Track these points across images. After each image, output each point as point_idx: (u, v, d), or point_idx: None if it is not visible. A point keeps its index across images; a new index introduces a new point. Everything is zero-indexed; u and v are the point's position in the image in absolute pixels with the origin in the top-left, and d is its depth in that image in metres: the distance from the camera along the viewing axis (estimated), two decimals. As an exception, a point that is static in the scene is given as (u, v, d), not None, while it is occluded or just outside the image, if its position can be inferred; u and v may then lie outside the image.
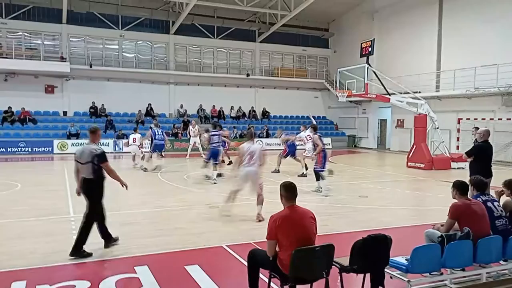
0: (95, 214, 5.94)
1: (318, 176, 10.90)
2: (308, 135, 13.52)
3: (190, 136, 20.56)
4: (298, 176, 13.88)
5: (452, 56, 22.09)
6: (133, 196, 10.33)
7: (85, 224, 5.87)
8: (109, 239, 6.14)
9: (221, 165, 13.65)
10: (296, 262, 3.81)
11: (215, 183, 12.27)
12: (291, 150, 14.89)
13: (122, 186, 6.10)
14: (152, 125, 16.14)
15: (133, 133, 16.39)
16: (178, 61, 28.02)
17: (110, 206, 8.98)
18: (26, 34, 24.56)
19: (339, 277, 4.23)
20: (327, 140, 28.54)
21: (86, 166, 5.84)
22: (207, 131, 14.24)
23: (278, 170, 14.80)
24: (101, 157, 5.85)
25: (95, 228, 5.99)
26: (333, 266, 4.13)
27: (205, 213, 8.57)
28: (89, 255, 5.73)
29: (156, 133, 15.32)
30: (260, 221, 7.65)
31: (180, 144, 23.78)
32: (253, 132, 8.92)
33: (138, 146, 15.99)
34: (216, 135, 12.85)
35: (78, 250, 5.72)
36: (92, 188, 5.91)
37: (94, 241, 6.03)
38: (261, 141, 25.92)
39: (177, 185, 11.68)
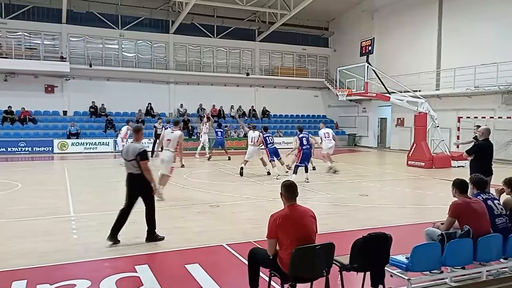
0: (153, 202, 6.49)
1: (306, 169, 12.52)
2: (326, 132, 14.95)
3: (201, 133, 20.14)
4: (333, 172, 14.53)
5: (452, 54, 22.07)
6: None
7: (149, 213, 6.43)
8: (115, 235, 6.29)
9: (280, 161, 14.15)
10: (296, 260, 3.81)
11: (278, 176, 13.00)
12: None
13: (154, 189, 6.49)
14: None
15: (125, 125, 14.62)
16: (178, 60, 28.01)
17: (109, 206, 9.02)
18: (26, 34, 24.54)
19: (339, 275, 4.23)
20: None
21: (131, 163, 6.29)
22: (253, 127, 14.79)
23: (314, 167, 14.87)
24: (142, 155, 6.27)
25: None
26: (333, 265, 4.13)
27: (205, 212, 8.57)
28: (162, 238, 6.42)
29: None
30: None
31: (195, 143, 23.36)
32: (254, 125, 13.97)
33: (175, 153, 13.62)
34: (269, 136, 13.98)
35: (152, 236, 6.39)
36: (139, 182, 6.30)
37: (96, 239, 6.04)
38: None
39: (176, 184, 11.67)
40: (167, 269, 5.32)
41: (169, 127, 11.57)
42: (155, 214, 6.49)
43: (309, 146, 12.47)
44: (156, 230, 6.49)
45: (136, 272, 5.15)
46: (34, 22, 24.40)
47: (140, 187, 6.33)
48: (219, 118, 27.92)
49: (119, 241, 6.25)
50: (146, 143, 16.94)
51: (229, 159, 18.28)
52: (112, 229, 6.25)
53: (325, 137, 14.85)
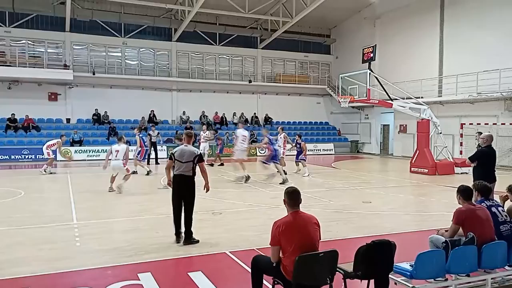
0: (193, 205, 6.83)
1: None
2: (243, 135, 14.21)
3: (199, 142, 19.44)
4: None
5: (454, 61, 22.07)
6: (135, 202, 10.36)
7: (186, 215, 6.77)
8: (182, 236, 6.74)
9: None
10: (300, 268, 3.80)
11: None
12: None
13: (207, 188, 7.12)
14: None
15: (117, 143, 12.16)
16: (180, 68, 28.13)
17: (112, 213, 9.03)
18: (29, 42, 24.73)
19: (343, 283, 4.21)
20: (329, 145, 28.67)
21: (186, 164, 6.75)
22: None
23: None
24: (200, 158, 6.91)
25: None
26: (337, 272, 4.11)
27: (207, 220, 8.55)
28: (198, 241, 6.68)
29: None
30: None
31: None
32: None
33: (123, 161, 11.90)
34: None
35: (189, 239, 6.66)
36: (190, 183, 6.80)
37: (99, 247, 6.01)
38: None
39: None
40: (170, 277, 5.31)
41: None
42: (191, 216, 6.80)
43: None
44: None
45: (139, 280, 5.14)
46: (37, 30, 24.60)
47: (188, 187, 6.80)
48: (221, 125, 28.00)
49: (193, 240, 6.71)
50: (134, 151, 16.03)
51: (222, 164, 19.08)
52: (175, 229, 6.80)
53: (242, 140, 13.70)
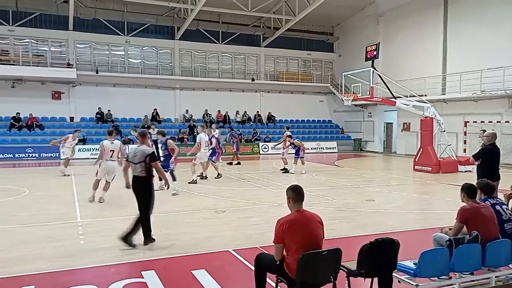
0: (149, 206, 6.56)
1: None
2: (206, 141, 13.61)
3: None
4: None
5: (458, 59, 21.98)
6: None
7: (139, 218, 6.48)
8: (148, 237, 6.50)
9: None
10: (303, 266, 3.80)
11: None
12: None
13: (166, 185, 7.08)
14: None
15: (107, 140, 10.55)
16: (183, 66, 28.15)
17: (116, 211, 9.06)
18: (33, 41, 24.79)
19: (346, 281, 4.21)
20: (332, 143, 28.65)
21: (138, 165, 6.50)
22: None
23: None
24: (153, 157, 6.58)
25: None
26: (340, 271, 4.11)
27: (211, 218, 8.57)
28: (134, 246, 6.30)
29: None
30: None
31: (186, 149, 23.74)
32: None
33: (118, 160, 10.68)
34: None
35: (126, 238, 6.32)
36: (146, 185, 6.54)
37: (103, 245, 6.04)
38: (267, 145, 26.31)
39: (182, 189, 11.69)
40: (173, 275, 5.32)
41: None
42: (141, 222, 6.49)
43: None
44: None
45: (143, 277, 5.16)
46: (41, 29, 24.65)
47: (140, 189, 6.55)
48: (224, 124, 28.01)
49: (153, 239, 6.55)
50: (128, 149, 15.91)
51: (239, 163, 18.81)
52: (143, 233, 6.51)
53: (206, 145, 13.43)
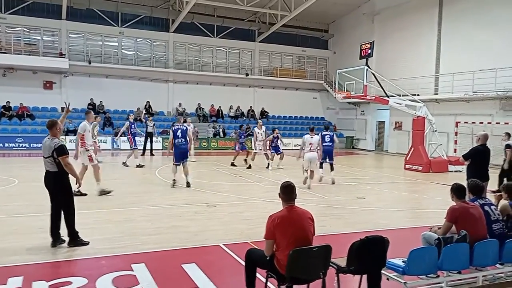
0: (70, 204, 6.10)
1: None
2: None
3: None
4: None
5: (451, 59, 22.13)
6: (130, 193, 10.35)
7: (65, 216, 6.06)
8: (61, 239, 6.06)
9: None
10: (293, 262, 3.82)
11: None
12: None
13: (79, 183, 6.60)
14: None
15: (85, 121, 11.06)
16: (177, 59, 27.99)
17: (108, 204, 9.01)
18: (25, 29, 24.47)
19: (336, 278, 4.24)
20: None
21: (47, 159, 5.96)
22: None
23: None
24: (60, 151, 5.89)
25: (94, 222, 5.96)
26: (330, 267, 4.14)
27: (202, 212, 8.57)
28: (87, 243, 6.02)
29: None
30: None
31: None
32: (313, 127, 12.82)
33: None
34: (327, 135, 13.40)
35: (74, 241, 6.00)
36: (58, 180, 5.98)
37: (92, 237, 6.01)
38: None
39: (180, 185, 11.65)
40: (163, 268, 5.32)
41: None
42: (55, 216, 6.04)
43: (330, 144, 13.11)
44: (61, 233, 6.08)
45: (133, 270, 5.15)
46: (33, 17, 24.30)
47: (53, 185, 5.98)
48: (217, 118, 27.96)
49: (64, 240, 6.07)
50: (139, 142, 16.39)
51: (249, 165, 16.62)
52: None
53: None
